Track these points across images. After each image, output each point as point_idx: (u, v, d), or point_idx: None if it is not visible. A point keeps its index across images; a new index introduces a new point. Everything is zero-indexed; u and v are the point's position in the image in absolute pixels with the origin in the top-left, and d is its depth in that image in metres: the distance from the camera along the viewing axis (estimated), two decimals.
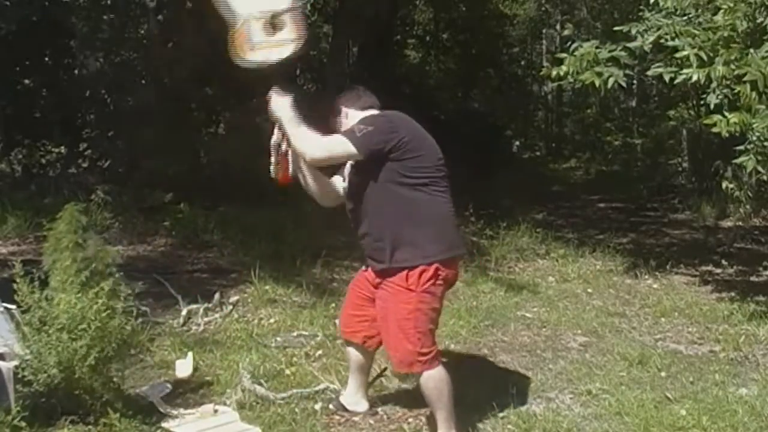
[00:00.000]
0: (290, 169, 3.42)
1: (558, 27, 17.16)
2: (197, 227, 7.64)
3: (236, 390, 3.88)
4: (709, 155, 10.88)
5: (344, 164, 3.51)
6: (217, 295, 5.49)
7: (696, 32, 5.26)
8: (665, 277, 6.92)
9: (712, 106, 5.30)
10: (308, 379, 4.15)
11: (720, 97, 5.26)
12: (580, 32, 13.46)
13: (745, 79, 4.85)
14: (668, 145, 13.69)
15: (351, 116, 3.46)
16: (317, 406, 3.80)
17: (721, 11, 5.23)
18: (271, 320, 5.20)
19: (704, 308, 5.87)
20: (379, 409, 3.80)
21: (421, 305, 3.30)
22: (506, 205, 9.98)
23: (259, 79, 3.39)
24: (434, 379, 3.36)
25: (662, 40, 5.47)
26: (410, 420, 3.71)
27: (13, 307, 3.52)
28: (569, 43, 6.09)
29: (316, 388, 3.98)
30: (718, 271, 7.27)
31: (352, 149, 3.25)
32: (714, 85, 5.22)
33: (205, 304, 5.29)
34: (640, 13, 6.00)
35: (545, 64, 16.34)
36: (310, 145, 3.30)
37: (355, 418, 3.72)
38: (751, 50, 5.02)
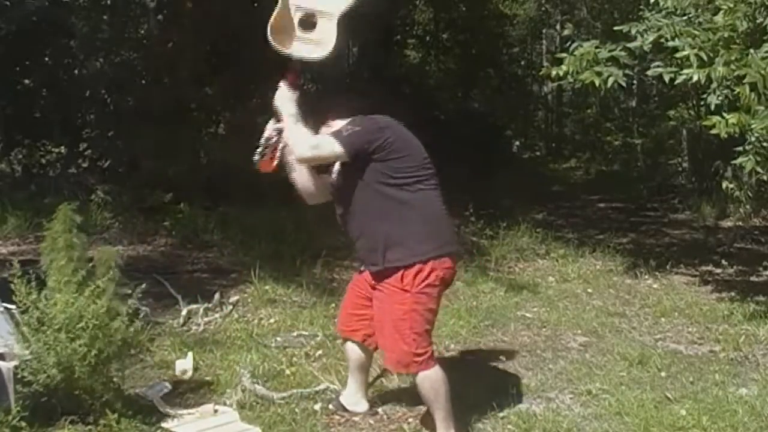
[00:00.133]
0: (275, 160, 3.45)
1: (558, 27, 17.14)
2: (197, 227, 7.64)
3: (236, 390, 3.88)
4: (709, 155, 10.89)
5: (332, 165, 3.52)
6: (217, 295, 5.49)
7: (696, 32, 5.26)
8: (665, 277, 6.92)
9: (712, 107, 5.30)
10: (308, 379, 4.15)
11: (720, 97, 5.27)
12: (580, 32, 13.44)
13: (745, 80, 4.85)
14: (668, 145, 13.69)
15: (334, 123, 3.49)
16: (317, 406, 3.80)
17: (721, 11, 5.23)
18: (271, 320, 5.21)
19: (704, 308, 5.87)
20: (379, 409, 3.80)
21: (416, 306, 3.31)
22: (506, 205, 9.98)
23: (277, 65, 3.44)
24: (430, 380, 3.37)
25: (662, 40, 5.47)
26: (410, 420, 3.71)
27: (13, 307, 3.52)
28: (569, 43, 6.09)
29: (316, 388, 3.98)
30: (718, 271, 7.27)
31: (338, 148, 3.28)
32: (714, 85, 5.22)
33: (205, 304, 5.30)
34: (640, 13, 6.00)
35: (545, 64, 16.34)
36: (301, 142, 3.35)
37: (355, 418, 3.72)
38: (751, 51, 5.02)
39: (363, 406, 3.78)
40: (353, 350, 3.71)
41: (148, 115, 8.87)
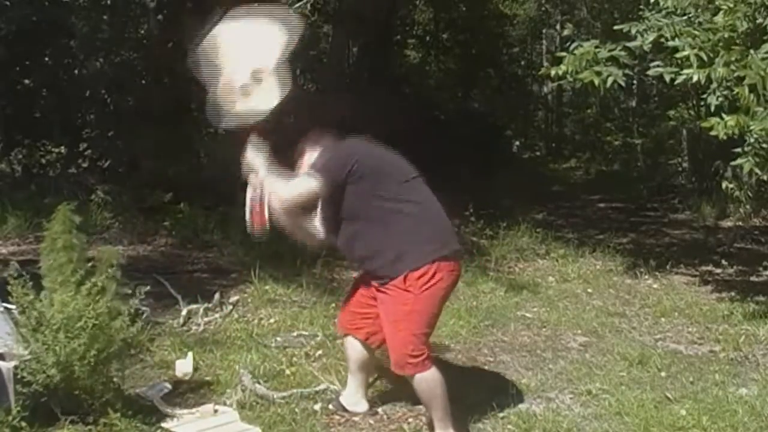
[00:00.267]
0: (265, 214, 3.47)
1: (558, 27, 17.13)
2: (197, 227, 7.64)
3: (236, 390, 3.88)
4: (709, 155, 10.88)
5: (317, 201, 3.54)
6: (217, 295, 5.49)
7: (696, 32, 5.26)
8: (665, 277, 6.92)
9: (712, 107, 5.30)
10: (308, 379, 4.15)
11: (720, 98, 5.26)
12: (580, 32, 13.44)
13: (744, 82, 4.85)
14: (668, 145, 13.68)
15: (309, 156, 3.55)
16: (317, 406, 3.80)
17: (721, 12, 5.23)
18: (271, 320, 5.20)
19: (704, 308, 5.87)
20: (379, 409, 3.80)
21: (417, 306, 3.32)
22: (506, 205, 9.98)
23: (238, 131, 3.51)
24: (426, 381, 3.38)
25: (662, 40, 5.47)
26: (410, 420, 3.71)
27: (13, 307, 3.52)
28: (569, 43, 6.08)
29: (316, 388, 3.98)
30: (718, 271, 7.27)
31: (315, 184, 3.34)
32: (714, 86, 5.22)
33: (205, 304, 5.29)
34: (640, 13, 5.99)
35: (545, 64, 16.32)
36: (279, 189, 3.39)
37: (355, 418, 3.72)
38: (752, 51, 5.02)
39: (363, 406, 3.78)
40: (354, 348, 3.71)
41: (148, 115, 8.88)
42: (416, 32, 16.07)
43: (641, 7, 6.19)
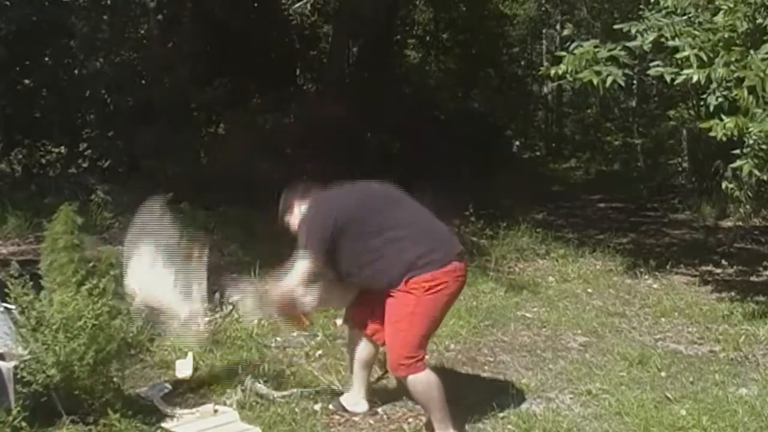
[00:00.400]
0: (298, 313, 3.66)
1: (558, 27, 17.12)
2: (197, 227, 7.62)
3: (236, 390, 3.88)
4: (709, 155, 10.87)
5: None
6: (217, 295, 5.48)
7: (696, 32, 5.26)
8: (665, 277, 6.92)
9: (711, 108, 5.30)
10: (308, 379, 4.16)
11: (719, 98, 5.26)
12: (580, 32, 13.44)
13: (744, 84, 4.85)
14: (668, 145, 13.68)
15: (296, 209, 3.66)
16: (317, 406, 3.80)
17: (721, 12, 5.23)
18: (271, 320, 5.19)
19: (704, 308, 5.87)
20: (379, 409, 3.80)
21: (418, 309, 3.34)
22: (506, 205, 9.98)
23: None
24: (421, 383, 3.40)
25: (662, 40, 5.47)
26: (410, 420, 3.71)
27: (13, 307, 3.52)
28: (569, 43, 6.08)
29: (316, 388, 3.98)
30: (718, 271, 7.27)
31: (310, 261, 3.45)
32: (714, 86, 5.22)
33: (205, 304, 5.28)
34: (640, 13, 5.99)
35: (545, 64, 16.31)
36: (286, 285, 3.52)
37: (355, 418, 3.72)
38: (751, 51, 5.02)
39: (363, 406, 3.78)
40: (359, 343, 3.72)
41: (148, 115, 8.88)
42: (416, 32, 16.10)
43: (641, 6, 6.20)
